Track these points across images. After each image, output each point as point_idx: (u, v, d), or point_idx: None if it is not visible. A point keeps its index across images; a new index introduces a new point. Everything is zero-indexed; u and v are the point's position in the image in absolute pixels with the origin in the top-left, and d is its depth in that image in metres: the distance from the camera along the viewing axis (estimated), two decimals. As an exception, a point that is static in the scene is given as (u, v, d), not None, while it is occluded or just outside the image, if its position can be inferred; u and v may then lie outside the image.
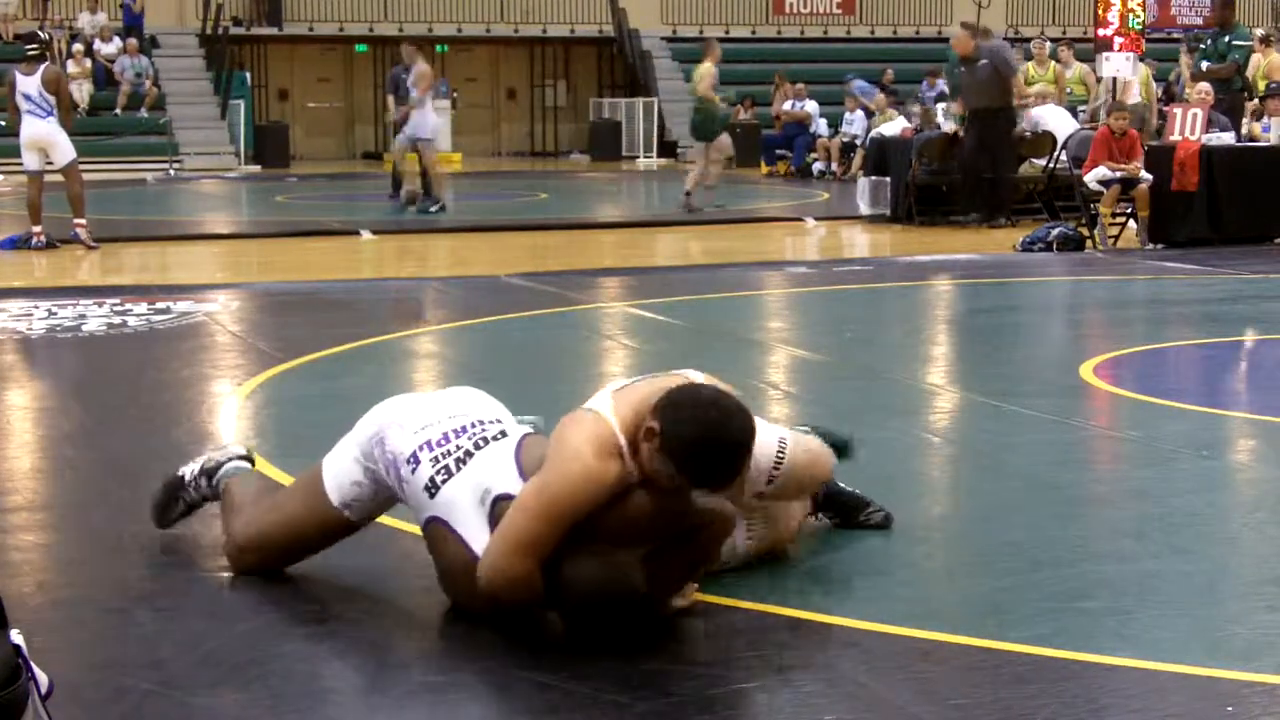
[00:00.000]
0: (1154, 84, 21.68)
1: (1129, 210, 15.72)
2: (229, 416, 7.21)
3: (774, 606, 4.40)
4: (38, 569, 4.92)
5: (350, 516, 4.59)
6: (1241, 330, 10.33)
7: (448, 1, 36.05)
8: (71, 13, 33.34)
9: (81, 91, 29.65)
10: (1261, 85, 18.47)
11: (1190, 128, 15.25)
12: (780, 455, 4.51)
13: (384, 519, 4.82)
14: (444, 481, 4.24)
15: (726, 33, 37.57)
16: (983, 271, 13.44)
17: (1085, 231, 15.50)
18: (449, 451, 4.29)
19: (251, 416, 7.32)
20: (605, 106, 36.74)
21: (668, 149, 34.58)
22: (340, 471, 4.57)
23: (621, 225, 19.34)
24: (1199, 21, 34.14)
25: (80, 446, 6.72)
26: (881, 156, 18.94)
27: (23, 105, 15.06)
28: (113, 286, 12.24)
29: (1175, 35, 27.25)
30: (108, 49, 31.66)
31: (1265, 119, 16.34)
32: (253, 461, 5.20)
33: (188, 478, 5.09)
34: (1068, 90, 20.59)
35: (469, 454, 4.27)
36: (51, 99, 15.07)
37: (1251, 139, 16.30)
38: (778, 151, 29.38)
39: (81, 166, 15.64)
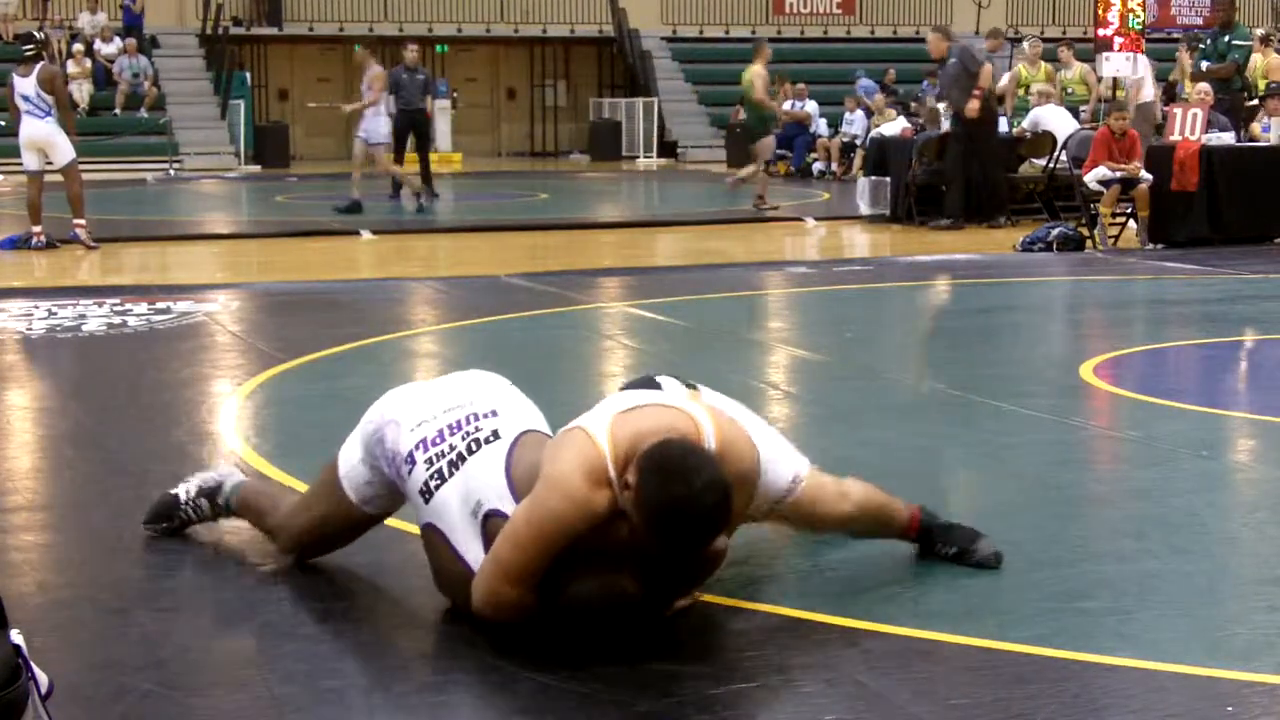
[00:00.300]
0: (1156, 84, 21.67)
1: (1129, 210, 15.72)
2: (229, 416, 7.21)
3: (774, 607, 4.40)
4: (38, 569, 4.92)
5: (371, 511, 4.61)
6: (1241, 330, 10.33)
7: (448, 1, 36.05)
8: (71, 13, 33.35)
9: (81, 91, 29.66)
10: (1261, 85, 18.49)
11: (1190, 128, 15.25)
12: (790, 490, 4.47)
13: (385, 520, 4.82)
14: (438, 487, 4.23)
15: (726, 33, 37.65)
16: (983, 271, 13.44)
17: (1085, 231, 15.49)
18: (443, 453, 4.26)
19: (251, 416, 7.32)
20: (605, 106, 36.75)
21: (668, 149, 34.59)
22: (352, 472, 4.58)
23: (621, 225, 19.34)
24: (1199, 21, 34.17)
25: (80, 446, 6.72)
26: (881, 156, 18.94)
27: (21, 106, 15.07)
28: (113, 286, 12.24)
29: (1175, 35, 27.23)
30: (108, 49, 31.66)
31: (1265, 119, 16.35)
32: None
33: (183, 499, 5.08)
34: (1068, 90, 20.58)
35: (462, 457, 4.23)
36: (49, 99, 15.08)
37: (1251, 139, 16.31)
38: (778, 151, 29.34)
39: (81, 167, 15.64)
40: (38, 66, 15.13)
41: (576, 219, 20.40)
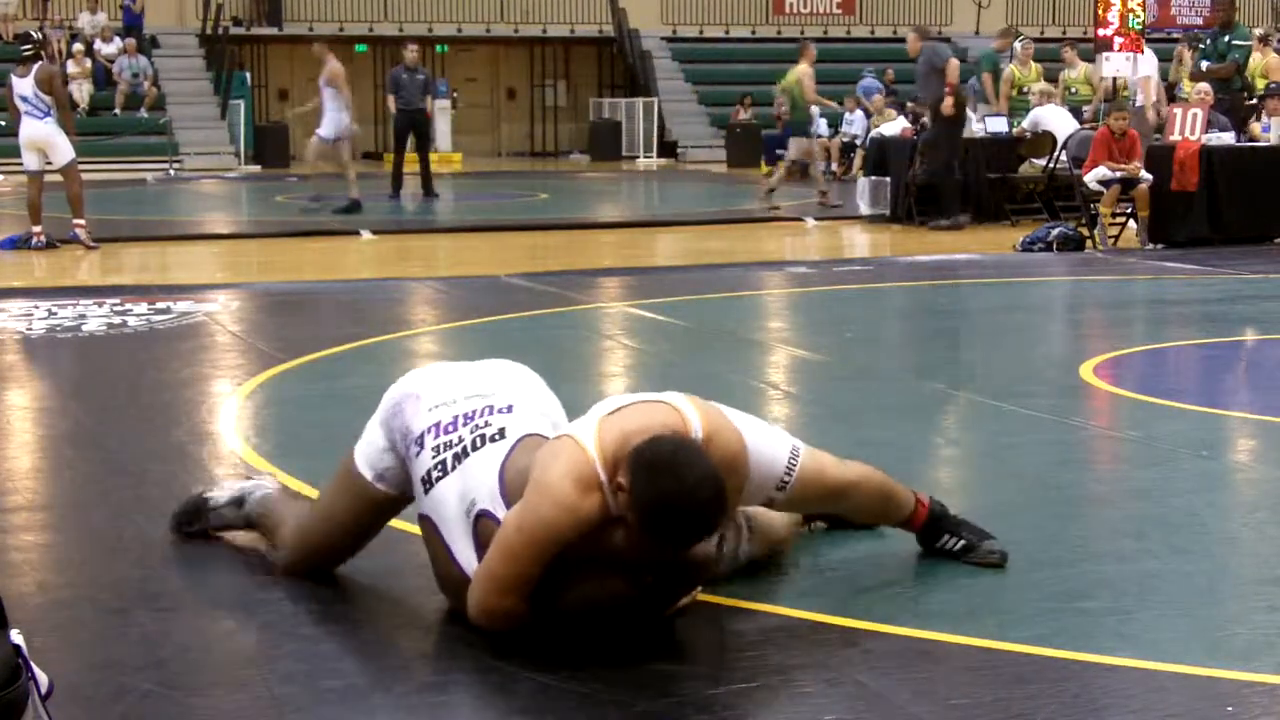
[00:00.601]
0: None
1: (1129, 210, 15.72)
2: (229, 416, 7.21)
3: (774, 606, 4.40)
4: (38, 569, 4.92)
5: (386, 489, 4.51)
6: (1241, 330, 10.33)
7: (448, 1, 36.06)
8: (71, 13, 33.35)
9: (81, 92, 29.66)
10: (1260, 85, 18.48)
11: (1190, 128, 15.25)
12: (790, 470, 4.46)
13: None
14: (439, 479, 4.22)
15: (726, 33, 37.67)
16: (983, 271, 13.45)
17: (1085, 231, 15.50)
18: (449, 444, 4.24)
19: (251, 416, 7.32)
20: (605, 106, 36.75)
21: (668, 149, 34.60)
22: (369, 444, 4.54)
23: (621, 225, 19.34)
24: (1199, 21, 34.17)
25: (80, 446, 6.72)
26: (881, 156, 18.94)
27: (20, 106, 15.09)
28: (113, 286, 12.24)
29: (1175, 35, 27.23)
30: (108, 49, 31.66)
31: (1265, 119, 16.35)
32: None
33: (212, 503, 5.07)
34: (1072, 90, 20.57)
35: (465, 452, 4.21)
36: (47, 99, 15.08)
37: (1251, 139, 16.31)
38: (778, 151, 29.32)
39: (81, 166, 15.65)
40: (36, 66, 15.14)
41: (576, 219, 20.40)
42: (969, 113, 19.33)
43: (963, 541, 4.80)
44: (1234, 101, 17.99)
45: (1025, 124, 18.57)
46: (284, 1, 35.16)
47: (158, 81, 31.70)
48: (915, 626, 4.24)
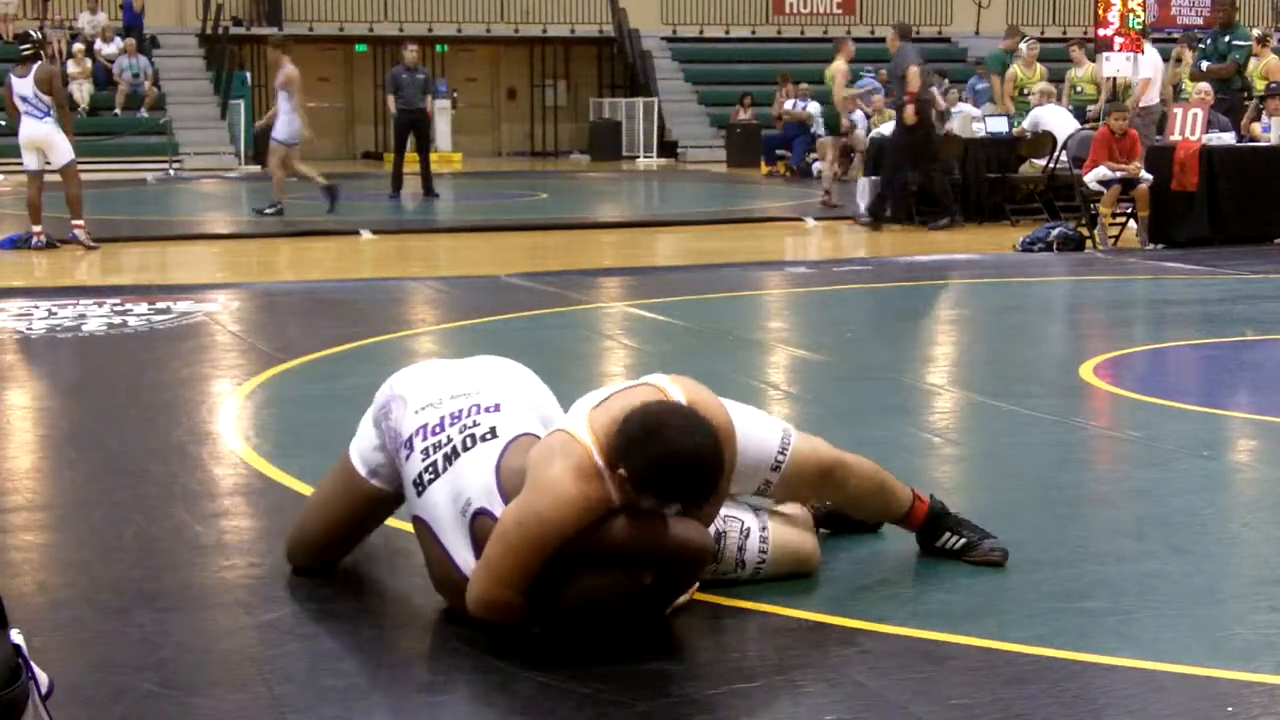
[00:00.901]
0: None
1: (1129, 210, 15.72)
2: (229, 416, 7.21)
3: (774, 606, 4.40)
4: (38, 568, 4.92)
5: (380, 485, 4.54)
6: (1241, 330, 10.33)
7: (448, 1, 36.06)
8: (72, 12, 33.35)
9: (81, 91, 29.67)
10: (1260, 85, 18.48)
11: (1190, 128, 15.25)
12: (784, 448, 4.46)
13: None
14: (430, 481, 4.22)
15: (727, 32, 37.66)
16: (982, 271, 13.45)
17: (1085, 231, 15.50)
18: (438, 444, 4.25)
19: (251, 416, 7.32)
20: (605, 106, 36.75)
21: (668, 149, 34.59)
22: (362, 440, 4.57)
23: (621, 225, 19.34)
24: (1199, 21, 34.16)
25: (80, 446, 6.73)
26: (881, 157, 18.92)
27: (20, 106, 15.10)
28: (113, 286, 12.24)
29: (1175, 35, 27.23)
30: (108, 49, 31.65)
31: (1265, 119, 16.35)
32: None
33: None
34: (1078, 89, 20.57)
35: (456, 452, 4.21)
36: (47, 99, 15.09)
37: (1251, 139, 16.31)
38: (777, 151, 29.37)
39: (82, 166, 15.66)
40: (35, 66, 15.14)
41: (576, 219, 20.41)
42: (970, 109, 19.34)
43: (963, 540, 4.80)
44: (1234, 101, 17.99)
45: (1025, 124, 18.58)
46: (284, 1, 35.16)
47: (158, 81, 31.70)
48: (915, 627, 4.24)
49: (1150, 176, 15.17)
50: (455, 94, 34.57)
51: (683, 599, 4.27)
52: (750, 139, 31.32)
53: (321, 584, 4.64)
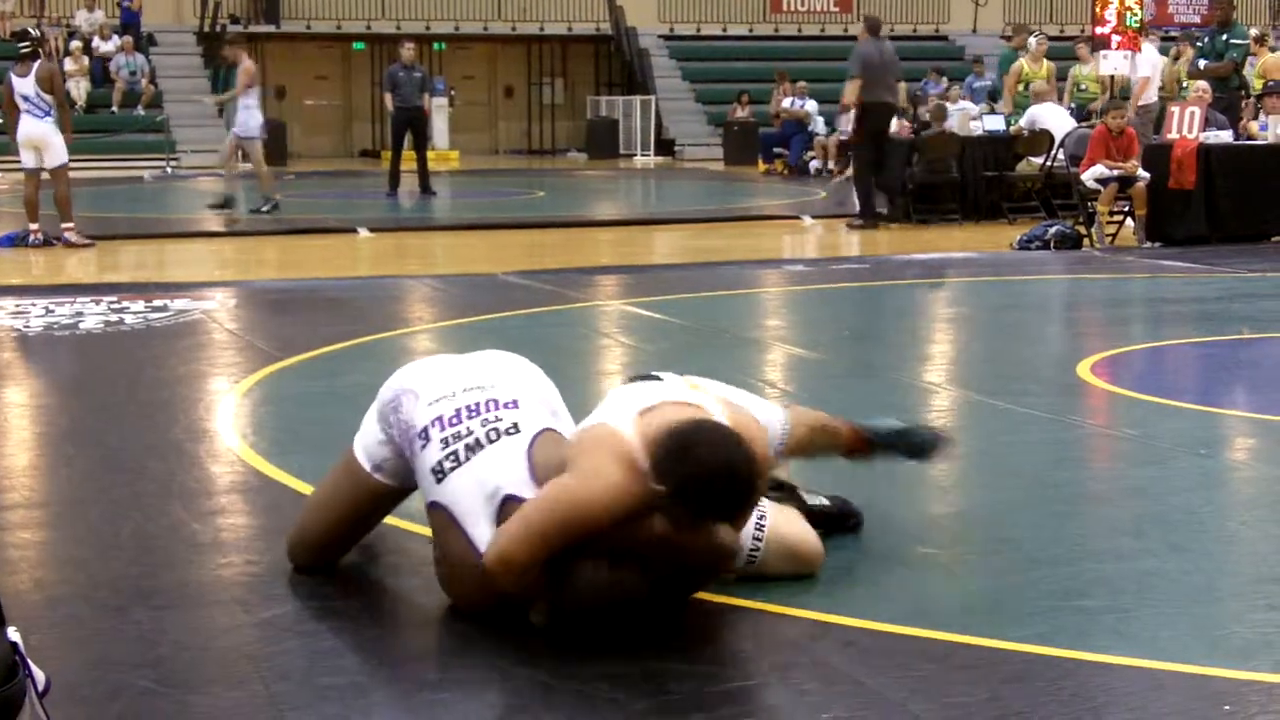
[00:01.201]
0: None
1: (1126, 208, 15.72)
2: (226, 414, 7.20)
3: (772, 605, 4.39)
4: (35, 566, 4.92)
5: (386, 480, 4.55)
6: (1239, 329, 10.33)
7: (445, -1, 36.10)
8: (69, 10, 33.34)
9: (79, 89, 29.66)
10: (1258, 84, 18.49)
11: (1188, 126, 15.25)
12: (759, 529, 4.49)
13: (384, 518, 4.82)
14: (452, 469, 4.22)
15: (724, 30, 37.66)
16: (980, 270, 13.45)
17: (1083, 230, 15.50)
18: (459, 434, 4.26)
19: (249, 414, 7.31)
20: (602, 104, 36.75)
21: (665, 147, 34.59)
22: (366, 435, 4.57)
23: (619, 223, 19.34)
24: (1196, 19, 34.17)
25: (78, 443, 6.72)
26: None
27: (21, 105, 15.10)
28: (110, 284, 12.24)
29: (1173, 34, 27.24)
30: (105, 47, 31.64)
31: (1262, 117, 16.35)
32: None
33: None
34: (1082, 87, 20.57)
35: (479, 444, 4.23)
36: (48, 99, 15.11)
37: (1249, 137, 16.31)
38: (775, 149, 29.37)
39: (78, 164, 15.69)
40: (36, 65, 15.15)
41: (574, 217, 20.41)
42: (968, 107, 19.36)
43: (897, 433, 5.17)
44: (1231, 100, 17.99)
45: (1022, 122, 18.59)
46: (281, -1, 35.19)
47: (155, 79, 31.70)
48: (913, 625, 4.23)
49: (1148, 175, 15.17)
50: (452, 92, 34.56)
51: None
52: (747, 137, 31.32)
53: (320, 582, 4.64)
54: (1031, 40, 21.33)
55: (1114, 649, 4.04)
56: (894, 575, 4.75)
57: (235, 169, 19.14)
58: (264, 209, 18.68)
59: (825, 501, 5.02)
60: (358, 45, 36.77)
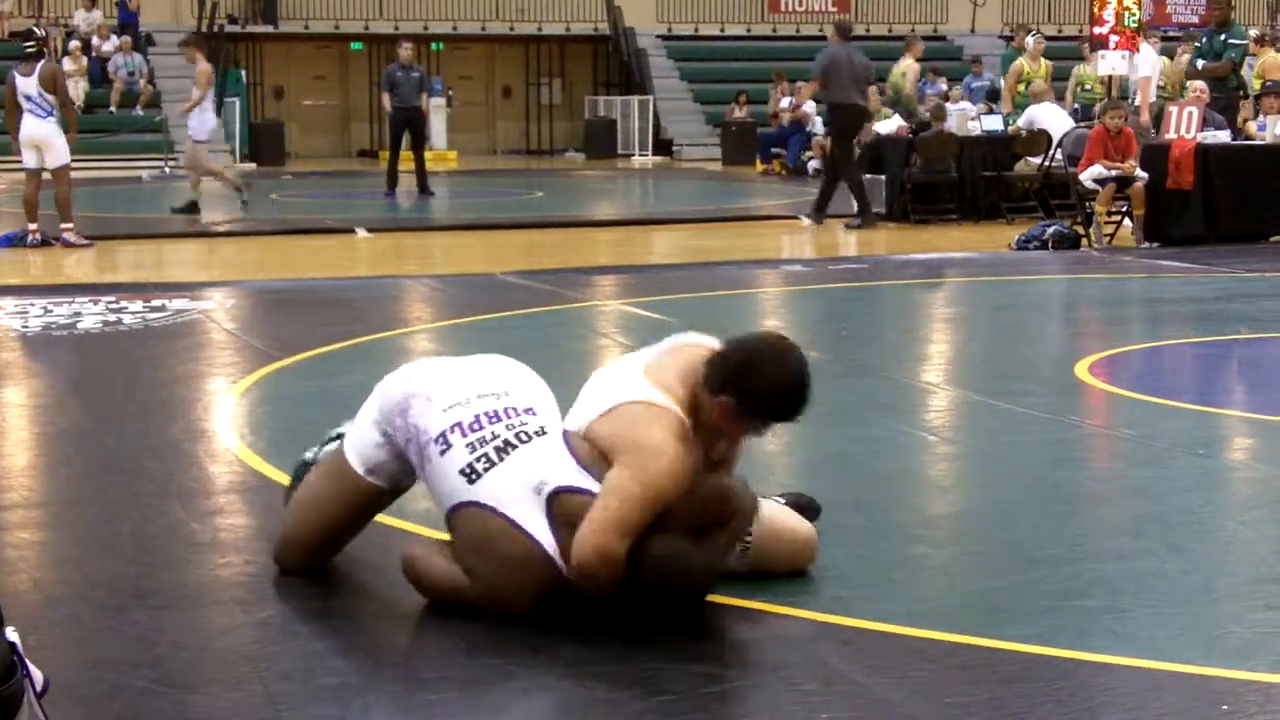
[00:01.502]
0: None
1: (1124, 209, 15.72)
2: (224, 414, 7.20)
3: (770, 605, 4.39)
4: (33, 566, 4.92)
5: (378, 483, 4.54)
6: (1237, 329, 10.33)
7: (443, -1, 36.10)
8: (67, 10, 33.33)
9: (77, 89, 29.64)
10: (1257, 84, 18.49)
11: (1186, 126, 15.25)
12: (746, 539, 4.50)
13: (383, 518, 4.82)
14: (486, 469, 4.22)
15: (722, 30, 37.66)
16: (978, 270, 13.45)
17: (1081, 230, 15.50)
18: (485, 439, 4.27)
19: (247, 414, 7.31)
20: (600, 104, 36.75)
21: (663, 147, 34.59)
22: (360, 439, 4.54)
23: (617, 223, 19.34)
24: (1195, 19, 34.15)
25: (76, 443, 6.72)
26: (877, 155, 18.94)
27: (24, 105, 15.11)
28: (108, 284, 12.23)
29: (1172, 34, 27.27)
30: (105, 47, 31.64)
31: (1261, 117, 16.35)
32: None
33: (310, 460, 5.07)
34: (1086, 87, 20.56)
35: (510, 445, 4.25)
36: (51, 99, 15.12)
37: (1247, 137, 16.31)
38: (773, 149, 29.37)
39: (77, 164, 15.64)
40: (39, 65, 15.16)
41: (572, 217, 20.40)
42: (967, 107, 19.38)
43: None
44: (1229, 100, 18.00)
45: (1020, 122, 18.59)
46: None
47: (153, 79, 31.69)
48: (911, 625, 4.24)
49: (1145, 175, 15.17)
50: (450, 92, 34.56)
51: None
52: (746, 137, 31.33)
53: (317, 582, 4.64)
54: (1029, 39, 21.32)
55: (1112, 649, 4.04)
56: (892, 575, 4.75)
57: (206, 169, 19.16)
58: (242, 203, 18.92)
59: (781, 499, 5.00)
60: (355, 45, 36.76)
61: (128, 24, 32.52)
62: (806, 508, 5.03)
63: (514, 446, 4.25)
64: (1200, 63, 18.48)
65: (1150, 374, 8.82)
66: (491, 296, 11.43)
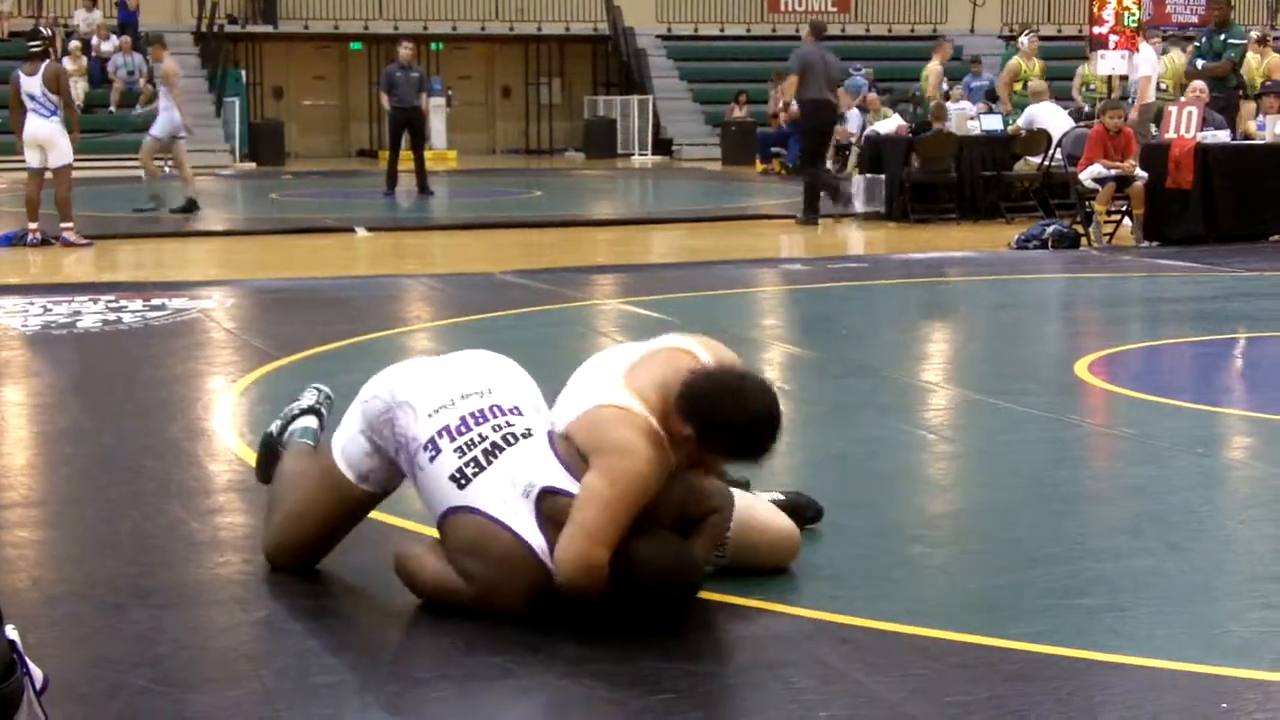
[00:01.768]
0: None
1: (1124, 208, 15.72)
2: (224, 413, 7.20)
3: (768, 603, 4.39)
4: (33, 565, 4.92)
5: (370, 489, 4.57)
6: (1236, 328, 10.33)
7: (443, -1, 36.10)
8: (67, 10, 33.33)
9: (77, 89, 29.62)
10: (1257, 84, 18.48)
11: (1185, 125, 15.25)
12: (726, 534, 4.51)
13: (379, 515, 4.82)
14: (475, 474, 4.22)
15: (721, 30, 37.66)
16: (977, 269, 13.45)
17: (1080, 229, 15.50)
18: (473, 441, 4.26)
19: (246, 413, 7.31)
20: (600, 104, 36.76)
21: (662, 146, 34.59)
22: (350, 447, 4.55)
23: (616, 223, 19.34)
24: (1194, 19, 34.16)
25: (76, 442, 6.72)
26: (876, 154, 18.95)
27: (27, 104, 15.12)
28: (108, 283, 12.23)
29: (1171, 33, 27.25)
30: (104, 47, 31.64)
31: (1260, 116, 16.36)
32: (320, 415, 5.21)
33: (275, 433, 5.11)
34: (1090, 86, 20.55)
35: (498, 447, 4.25)
36: (54, 98, 15.14)
37: (1246, 137, 16.32)
38: (773, 149, 29.36)
39: (76, 163, 15.64)
40: (44, 65, 15.17)
41: (571, 216, 20.39)
42: (966, 106, 19.38)
43: None
44: (1229, 99, 18.00)
45: (1020, 121, 18.59)
46: (279, -1, 35.20)
47: (152, 79, 31.65)
48: (911, 624, 4.23)
49: (1145, 174, 15.17)
50: (450, 92, 34.57)
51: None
52: (745, 136, 31.33)
53: (315, 581, 4.64)
54: (1023, 39, 21.32)
55: (1112, 647, 4.04)
56: (892, 574, 4.75)
57: (185, 168, 19.15)
58: (146, 207, 18.72)
59: (780, 496, 4.99)
60: (355, 45, 36.77)
61: (127, 24, 32.51)
62: (806, 508, 5.03)
63: (501, 449, 4.25)
64: (1200, 62, 18.48)
65: (1150, 373, 8.82)
66: (490, 296, 11.43)
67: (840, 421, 7.00)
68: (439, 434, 4.30)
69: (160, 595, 4.54)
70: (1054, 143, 17.41)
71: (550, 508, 4.14)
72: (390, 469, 4.50)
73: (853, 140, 23.14)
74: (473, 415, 4.32)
